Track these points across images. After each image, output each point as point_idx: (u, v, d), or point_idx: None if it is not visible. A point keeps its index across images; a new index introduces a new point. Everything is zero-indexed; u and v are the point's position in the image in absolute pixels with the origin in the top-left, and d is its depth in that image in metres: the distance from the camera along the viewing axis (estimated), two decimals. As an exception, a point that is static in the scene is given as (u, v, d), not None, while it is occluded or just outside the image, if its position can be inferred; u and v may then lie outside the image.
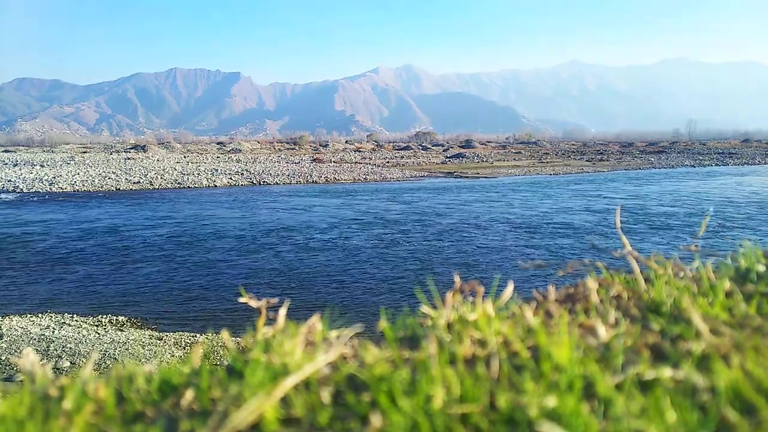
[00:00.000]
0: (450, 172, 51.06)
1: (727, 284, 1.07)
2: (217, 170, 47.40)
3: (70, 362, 8.82)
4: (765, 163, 60.19)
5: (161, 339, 10.11)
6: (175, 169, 47.61)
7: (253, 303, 0.99)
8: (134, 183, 38.80)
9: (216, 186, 38.78)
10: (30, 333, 10.21)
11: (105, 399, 0.72)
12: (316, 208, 26.84)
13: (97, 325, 11.01)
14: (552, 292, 1.08)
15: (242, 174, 44.54)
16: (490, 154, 79.23)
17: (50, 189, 35.97)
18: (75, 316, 11.57)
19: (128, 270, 15.40)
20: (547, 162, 64.02)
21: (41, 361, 0.84)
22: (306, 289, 13.44)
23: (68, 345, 9.53)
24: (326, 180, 42.70)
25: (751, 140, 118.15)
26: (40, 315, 11.59)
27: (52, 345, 9.52)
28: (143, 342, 9.88)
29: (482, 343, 0.82)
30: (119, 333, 10.46)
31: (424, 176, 47.54)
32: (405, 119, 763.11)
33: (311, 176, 43.82)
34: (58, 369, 8.56)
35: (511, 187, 37.03)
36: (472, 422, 0.66)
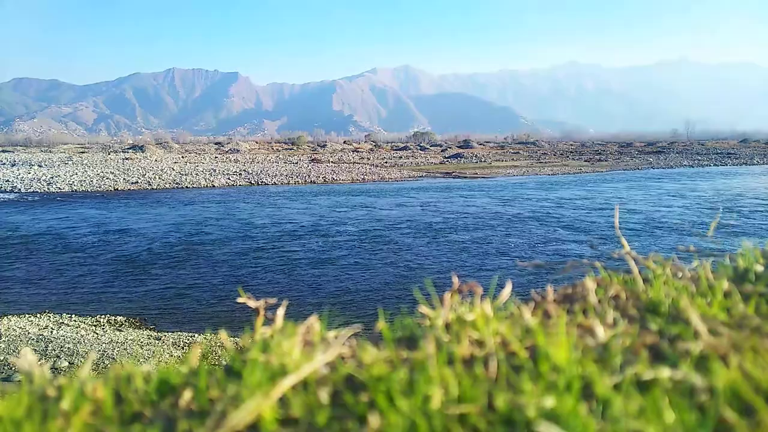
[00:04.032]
0: (448, 173, 51.07)
1: (725, 284, 1.07)
2: (215, 170, 47.37)
3: (69, 362, 8.81)
4: (764, 164, 60.28)
5: (159, 339, 10.10)
6: (173, 170, 47.57)
7: (252, 303, 0.99)
8: (132, 183, 38.77)
9: (214, 186, 38.76)
10: (28, 333, 10.20)
11: (103, 399, 0.72)
12: (314, 209, 26.83)
13: (95, 325, 11.00)
14: (550, 293, 1.08)
15: (240, 174, 44.51)
16: (489, 154, 79.27)
17: (48, 189, 35.94)
18: (73, 316, 11.56)
19: (126, 270, 15.39)
20: (546, 162, 64.06)
21: (39, 361, 0.84)
22: (304, 289, 13.44)
23: (66, 345, 9.52)
24: (324, 180, 42.69)
25: (750, 140, 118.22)
26: (38, 315, 11.58)
27: (50, 345, 9.51)
28: (141, 342, 9.87)
29: (480, 344, 0.82)
30: (117, 333, 10.45)
31: (422, 176, 47.54)
32: (403, 120, 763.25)
33: (309, 176, 43.80)
34: (56, 369, 8.55)
35: (509, 188, 37.06)
36: (470, 422, 0.66)
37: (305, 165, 56.16)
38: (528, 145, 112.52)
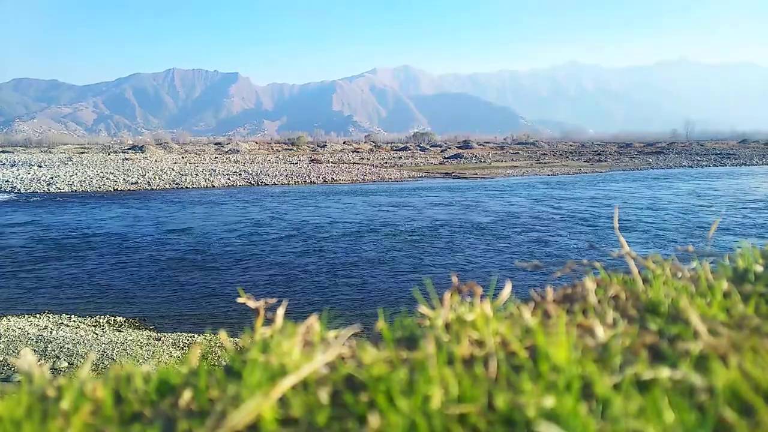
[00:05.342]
0: (448, 173, 51.06)
1: (725, 285, 1.07)
2: (215, 171, 47.36)
3: (68, 363, 8.81)
4: (763, 164, 60.29)
5: (159, 339, 10.10)
6: (173, 170, 47.56)
7: (251, 303, 0.99)
8: (132, 183, 38.75)
9: (214, 186, 38.74)
10: (28, 333, 10.19)
11: (103, 399, 0.72)
12: (314, 209, 26.83)
13: (95, 326, 10.99)
14: (550, 293, 1.08)
15: (240, 174, 44.50)
16: (488, 154, 79.27)
17: (48, 189, 35.92)
18: (73, 316, 11.55)
19: (126, 270, 15.38)
20: (545, 163, 64.06)
21: (39, 361, 0.84)
22: (304, 290, 13.44)
23: (66, 345, 9.51)
24: (324, 180, 42.68)
25: (749, 141, 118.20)
26: (38, 315, 11.57)
27: (50, 345, 9.51)
28: (141, 342, 9.86)
29: (480, 344, 0.82)
30: (117, 333, 10.45)
31: (422, 177, 47.53)
32: (403, 120, 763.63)
33: (309, 177, 43.78)
34: (55, 369, 8.55)
35: (508, 188, 37.06)
36: (470, 422, 0.66)
37: (305, 165, 56.14)
38: (528, 145, 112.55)
